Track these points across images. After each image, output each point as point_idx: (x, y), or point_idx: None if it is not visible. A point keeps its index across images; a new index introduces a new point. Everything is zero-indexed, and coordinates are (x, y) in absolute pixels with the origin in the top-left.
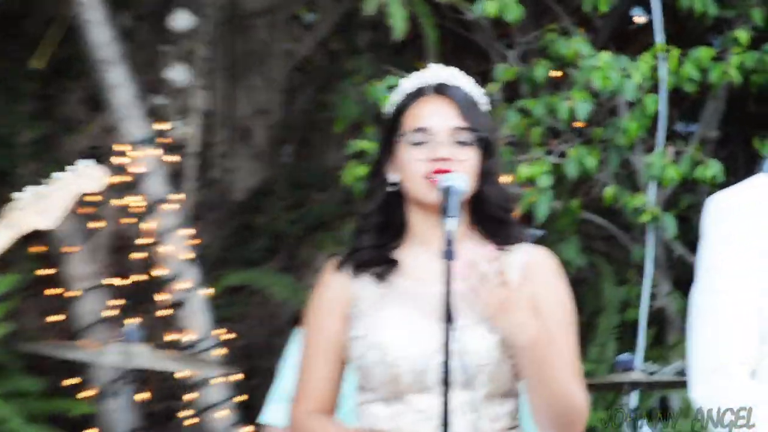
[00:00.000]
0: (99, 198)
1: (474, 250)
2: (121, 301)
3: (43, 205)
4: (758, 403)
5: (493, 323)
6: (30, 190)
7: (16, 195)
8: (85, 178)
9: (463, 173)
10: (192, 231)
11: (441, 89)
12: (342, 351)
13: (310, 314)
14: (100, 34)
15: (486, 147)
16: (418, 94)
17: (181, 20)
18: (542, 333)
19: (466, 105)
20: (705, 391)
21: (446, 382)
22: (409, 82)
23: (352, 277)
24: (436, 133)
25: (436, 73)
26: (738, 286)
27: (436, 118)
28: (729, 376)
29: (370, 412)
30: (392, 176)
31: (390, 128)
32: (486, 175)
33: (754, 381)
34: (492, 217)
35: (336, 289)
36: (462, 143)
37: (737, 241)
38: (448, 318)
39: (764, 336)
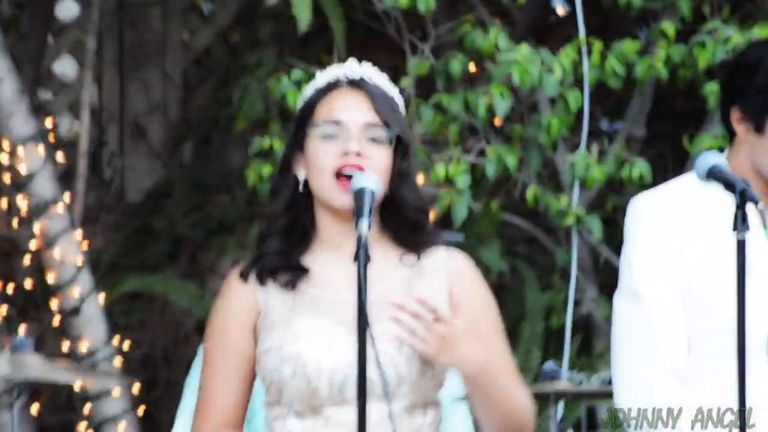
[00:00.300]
0: None
1: (386, 255)
2: (10, 309)
3: None
4: (685, 410)
5: (437, 362)
6: None
7: None
8: None
9: (374, 172)
10: (82, 234)
11: (356, 83)
12: (249, 365)
13: (214, 326)
14: None
15: (400, 146)
16: (332, 86)
17: (67, 9)
18: (488, 358)
19: (381, 101)
20: (632, 400)
21: (363, 394)
22: (323, 76)
23: (258, 286)
24: (349, 126)
25: (352, 68)
26: (660, 291)
27: (349, 112)
28: (657, 384)
29: (283, 428)
30: (301, 174)
31: (300, 121)
32: (400, 176)
33: (682, 388)
34: (406, 220)
35: (241, 299)
36: (375, 140)
37: (657, 244)
38: (363, 326)
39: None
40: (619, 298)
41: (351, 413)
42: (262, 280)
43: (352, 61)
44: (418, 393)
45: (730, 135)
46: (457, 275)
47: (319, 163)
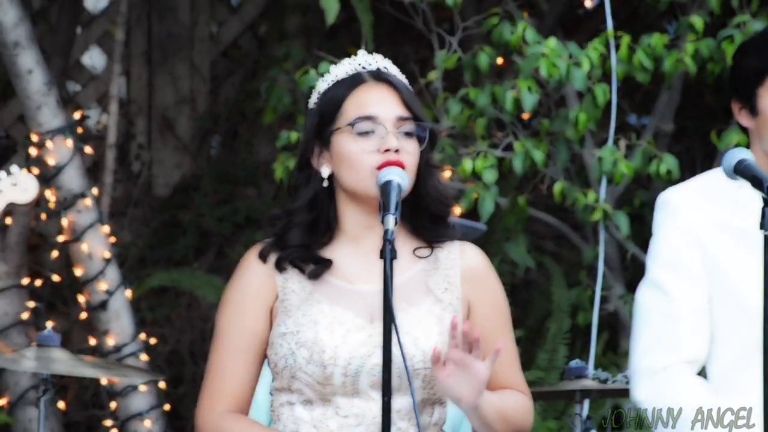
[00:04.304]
0: None
1: (402, 247)
2: (37, 303)
3: None
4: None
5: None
6: None
7: None
8: (17, 188)
9: (405, 168)
10: (109, 228)
11: (380, 76)
12: (263, 346)
13: (228, 305)
14: (7, 15)
15: (427, 139)
16: (357, 81)
17: (96, 0)
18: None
19: (407, 93)
20: (649, 391)
21: (388, 391)
22: (340, 69)
23: (276, 269)
24: (383, 121)
25: (367, 59)
26: (683, 284)
27: (381, 106)
28: (673, 375)
29: (291, 415)
30: (324, 170)
31: (324, 117)
32: (426, 168)
33: (699, 380)
34: (428, 213)
35: (259, 281)
36: (408, 134)
37: (683, 238)
38: (389, 322)
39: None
40: (641, 289)
41: (361, 404)
42: (280, 268)
43: (363, 53)
44: (429, 389)
45: (745, 134)
46: (471, 271)
47: (357, 161)
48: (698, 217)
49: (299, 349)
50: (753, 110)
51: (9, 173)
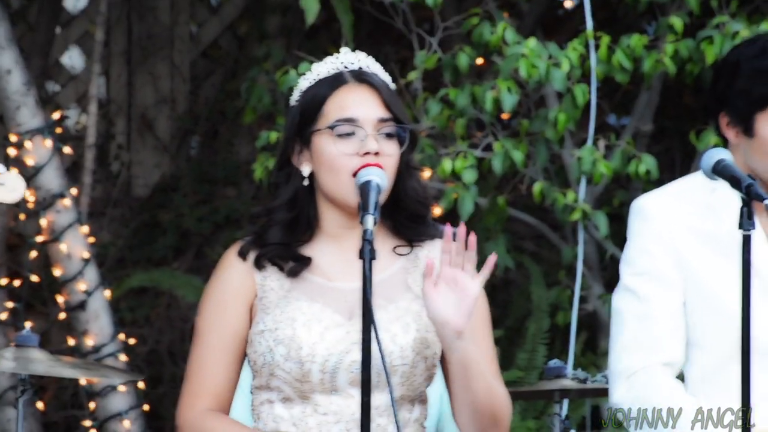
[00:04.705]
0: None
1: (381, 246)
2: (16, 303)
3: None
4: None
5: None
6: None
7: None
8: (5, 188)
9: (386, 168)
10: (88, 228)
11: (361, 76)
12: (243, 344)
13: (208, 304)
14: None
15: (407, 140)
16: (338, 81)
17: (75, 0)
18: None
19: (388, 94)
20: (626, 393)
21: (367, 391)
22: (322, 67)
23: (255, 267)
24: (363, 124)
25: (349, 58)
26: (658, 289)
27: (362, 108)
28: (650, 376)
29: (271, 413)
30: (305, 169)
31: (305, 116)
32: (406, 168)
33: (676, 382)
34: (407, 212)
35: (239, 279)
36: (388, 135)
37: (657, 245)
38: (369, 322)
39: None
40: (616, 294)
41: (340, 402)
42: (260, 266)
43: (346, 51)
44: (407, 386)
45: (724, 141)
46: None
47: (336, 164)
48: (673, 224)
49: (277, 347)
50: (747, 131)
51: None
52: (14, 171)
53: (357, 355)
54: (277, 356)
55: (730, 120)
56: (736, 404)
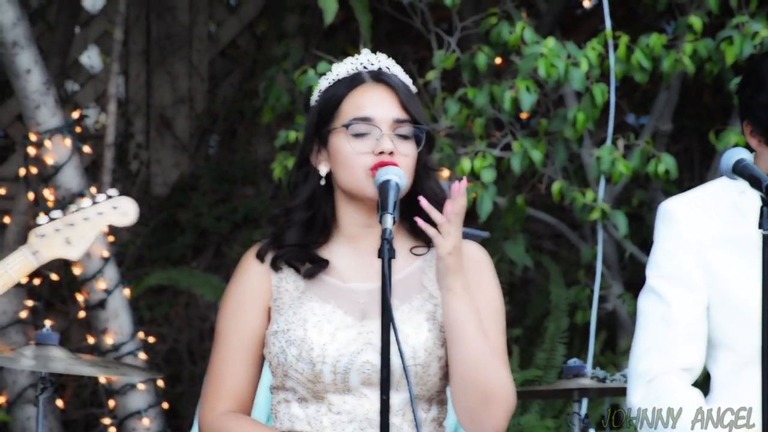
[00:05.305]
0: (7, 191)
1: (399, 247)
2: (36, 302)
3: (70, 234)
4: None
5: (447, 261)
6: (57, 216)
7: (40, 220)
8: (117, 211)
9: (402, 168)
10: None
11: (379, 77)
12: (261, 346)
13: (228, 306)
14: (6, 14)
15: (425, 140)
16: (356, 81)
17: (93, 0)
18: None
19: (406, 95)
20: (643, 398)
21: (386, 390)
22: (341, 68)
23: (272, 269)
24: (379, 123)
25: (369, 59)
26: (681, 293)
27: (379, 108)
28: (668, 382)
29: (287, 413)
30: (322, 168)
31: (323, 116)
32: (425, 169)
33: (694, 390)
34: (426, 213)
35: (257, 281)
36: (404, 136)
37: (682, 248)
38: (388, 321)
39: (711, 340)
40: (642, 295)
41: (353, 401)
42: (276, 268)
43: (367, 52)
44: (421, 385)
45: (749, 146)
46: (468, 262)
47: (352, 162)
48: (698, 227)
49: (289, 347)
50: None
51: (109, 196)
52: (126, 196)
53: (369, 356)
54: (289, 357)
55: (753, 130)
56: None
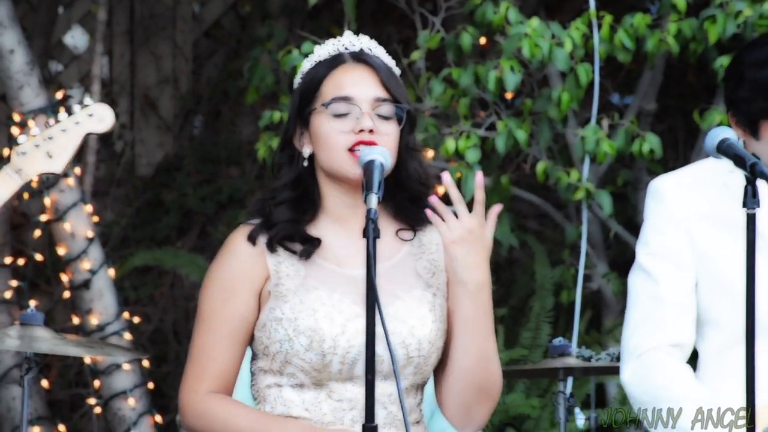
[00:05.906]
0: None
1: (384, 230)
2: (20, 282)
3: (50, 148)
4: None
5: (452, 251)
6: (36, 132)
7: (20, 139)
8: (93, 118)
9: (385, 148)
10: (92, 207)
11: (360, 57)
12: (249, 330)
13: (215, 287)
14: None
15: (407, 120)
16: (336, 61)
17: None
18: (488, 281)
19: (387, 75)
20: (633, 373)
21: (372, 370)
22: (323, 49)
23: (267, 252)
24: (359, 102)
25: (351, 40)
26: (670, 270)
27: (359, 87)
28: (659, 358)
29: (280, 397)
30: (305, 149)
31: (304, 98)
32: (407, 150)
33: (685, 366)
34: (410, 195)
35: (248, 263)
36: (385, 116)
37: (671, 226)
38: (373, 302)
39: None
40: (632, 273)
41: (355, 389)
42: (272, 248)
43: (350, 34)
44: (418, 375)
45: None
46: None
47: (331, 141)
48: (687, 205)
49: (297, 336)
50: (754, 134)
51: (84, 105)
52: (102, 104)
53: (376, 346)
54: (296, 346)
55: (738, 120)
56: (739, 383)
